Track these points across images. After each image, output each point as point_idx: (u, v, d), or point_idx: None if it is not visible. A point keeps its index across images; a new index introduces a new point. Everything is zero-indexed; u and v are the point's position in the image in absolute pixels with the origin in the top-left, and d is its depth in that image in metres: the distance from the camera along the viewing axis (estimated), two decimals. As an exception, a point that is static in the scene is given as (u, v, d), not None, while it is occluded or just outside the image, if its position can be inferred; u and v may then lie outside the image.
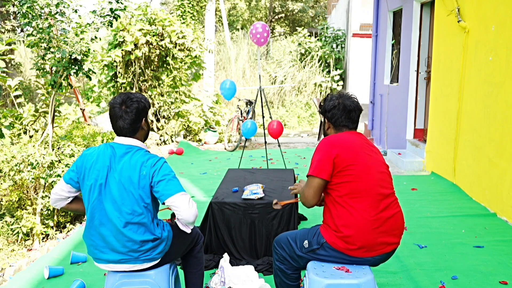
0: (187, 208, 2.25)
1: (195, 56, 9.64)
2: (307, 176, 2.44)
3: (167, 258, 2.49)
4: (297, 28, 15.94)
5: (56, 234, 5.30)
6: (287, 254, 2.53)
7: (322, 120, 2.68)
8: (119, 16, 5.82)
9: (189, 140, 9.98)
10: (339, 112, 2.52)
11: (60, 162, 5.20)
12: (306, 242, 2.46)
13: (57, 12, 5.43)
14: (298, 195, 2.77)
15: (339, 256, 2.39)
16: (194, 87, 10.76)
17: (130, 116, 2.36)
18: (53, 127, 5.50)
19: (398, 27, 8.24)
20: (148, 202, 2.32)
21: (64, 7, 5.48)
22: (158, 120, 9.67)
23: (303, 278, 2.87)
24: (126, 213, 2.30)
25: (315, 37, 15.31)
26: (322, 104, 2.65)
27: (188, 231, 2.42)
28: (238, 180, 4.17)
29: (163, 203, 2.32)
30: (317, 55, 14.33)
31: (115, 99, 2.40)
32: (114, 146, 2.40)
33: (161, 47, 9.20)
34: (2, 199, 5.34)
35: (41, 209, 5.27)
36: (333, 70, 14.14)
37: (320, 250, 2.41)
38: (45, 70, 5.46)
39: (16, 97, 6.55)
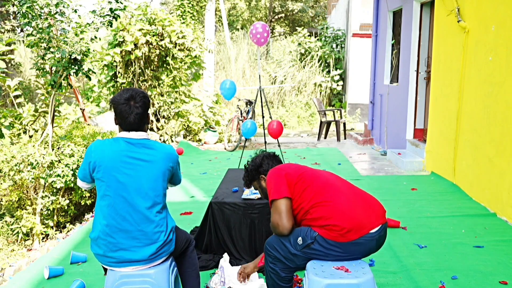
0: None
1: (195, 56, 9.64)
2: (270, 203, 2.56)
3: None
4: (297, 28, 15.94)
5: (56, 234, 5.30)
6: (281, 255, 2.53)
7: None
8: (119, 16, 5.81)
9: (189, 140, 9.98)
10: (269, 159, 2.88)
11: (60, 162, 5.20)
12: (300, 238, 2.47)
13: (56, 12, 5.43)
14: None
15: (334, 247, 2.41)
16: (194, 87, 10.75)
17: (140, 111, 2.47)
18: (53, 127, 5.50)
19: (398, 27, 8.24)
20: (165, 190, 2.54)
21: (64, 7, 5.48)
22: (158, 120, 9.67)
23: (302, 278, 2.87)
24: (152, 201, 2.43)
25: (315, 37, 15.31)
26: (248, 173, 2.92)
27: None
28: (238, 180, 4.17)
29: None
30: (317, 55, 14.33)
31: (120, 96, 2.47)
32: (130, 140, 2.47)
33: (161, 47, 9.20)
34: (2, 199, 5.34)
35: (41, 209, 5.27)
36: (333, 70, 14.14)
37: (315, 244, 2.43)
38: (45, 70, 5.46)
39: (16, 97, 6.54)
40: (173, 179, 2.66)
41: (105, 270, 2.54)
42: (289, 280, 2.60)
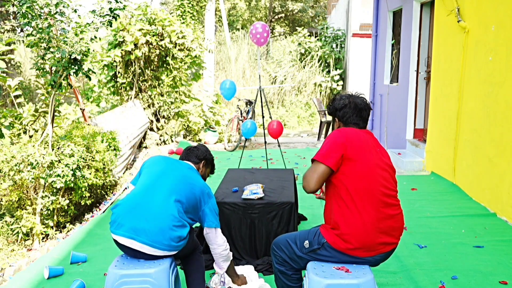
0: (219, 243, 2.79)
1: (195, 56, 9.63)
2: (312, 160, 2.40)
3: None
4: (297, 28, 15.94)
5: (56, 234, 5.30)
6: (286, 256, 2.53)
7: (331, 120, 2.76)
8: (119, 16, 5.81)
9: (189, 140, 9.98)
10: (350, 110, 2.54)
11: (60, 162, 5.20)
12: (306, 242, 2.46)
13: (56, 12, 5.43)
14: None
15: (340, 256, 2.39)
16: (194, 87, 10.75)
17: (193, 156, 2.99)
18: (53, 127, 5.50)
19: (398, 27, 8.24)
20: (183, 213, 2.66)
21: (63, 6, 5.47)
22: (158, 120, 9.67)
23: (302, 278, 2.87)
24: (173, 210, 2.58)
25: (315, 37, 15.31)
26: (331, 104, 2.64)
27: (220, 272, 2.93)
28: (238, 180, 4.17)
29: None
30: (317, 55, 14.33)
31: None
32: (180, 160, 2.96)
33: (161, 47, 9.19)
34: (2, 199, 5.33)
35: (41, 209, 5.27)
36: (333, 70, 14.14)
37: (321, 250, 2.41)
38: (45, 70, 5.45)
39: (16, 97, 6.54)
40: (202, 217, 2.75)
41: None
42: (297, 279, 2.59)
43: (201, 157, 2.97)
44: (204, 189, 2.76)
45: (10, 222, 5.27)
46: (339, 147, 2.35)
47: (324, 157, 2.35)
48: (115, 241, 2.53)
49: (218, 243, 2.77)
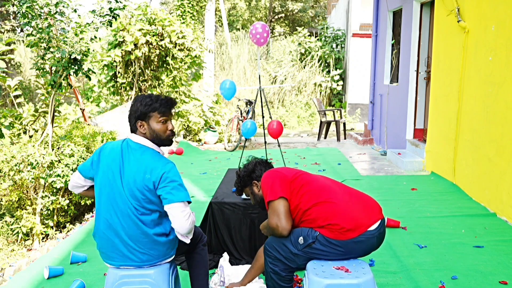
0: (182, 220, 2.31)
1: (195, 56, 9.63)
2: (267, 205, 2.55)
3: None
4: (297, 28, 15.94)
5: (56, 234, 5.30)
6: (281, 255, 2.54)
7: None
8: (118, 16, 5.82)
9: (189, 140, 9.98)
10: (261, 165, 2.90)
11: (60, 162, 5.20)
12: (301, 238, 2.48)
13: (56, 12, 5.43)
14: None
15: (336, 246, 2.42)
16: (194, 87, 10.75)
17: (129, 113, 2.45)
18: (53, 127, 5.50)
19: (398, 27, 8.24)
20: (152, 200, 2.35)
21: (63, 6, 5.48)
22: (158, 120, 9.66)
23: (302, 278, 2.88)
24: (138, 208, 2.35)
25: (315, 37, 15.31)
26: (241, 177, 2.89)
27: (187, 241, 2.42)
28: (238, 180, 4.16)
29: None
30: (317, 55, 14.33)
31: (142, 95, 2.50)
32: (128, 142, 2.46)
33: (161, 47, 9.19)
34: (2, 199, 5.34)
35: (41, 209, 5.27)
36: (333, 70, 14.14)
37: (316, 243, 2.44)
38: (45, 70, 5.46)
39: (16, 97, 6.55)
40: (163, 191, 2.32)
41: None
42: (289, 279, 2.60)
43: (132, 118, 2.44)
44: (148, 172, 2.31)
45: (10, 222, 5.27)
46: (279, 179, 2.57)
47: (273, 194, 2.50)
48: None
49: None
